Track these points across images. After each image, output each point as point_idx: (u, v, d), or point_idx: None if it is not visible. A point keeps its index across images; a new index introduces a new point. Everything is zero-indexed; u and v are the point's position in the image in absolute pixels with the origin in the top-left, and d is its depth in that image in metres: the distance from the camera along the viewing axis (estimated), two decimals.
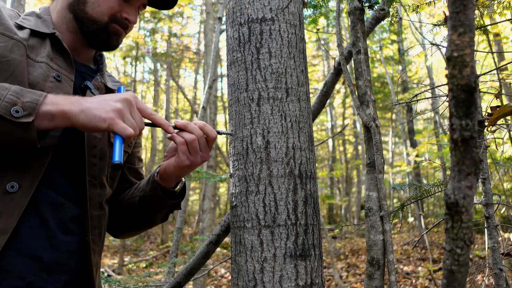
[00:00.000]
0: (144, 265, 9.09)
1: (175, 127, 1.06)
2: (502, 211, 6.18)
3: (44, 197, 1.02)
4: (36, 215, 1.00)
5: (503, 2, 1.82)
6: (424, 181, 10.92)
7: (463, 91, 0.37)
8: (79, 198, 1.09)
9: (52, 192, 1.04)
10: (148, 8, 7.84)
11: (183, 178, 1.21)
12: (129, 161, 1.36)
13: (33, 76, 1.02)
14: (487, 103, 1.89)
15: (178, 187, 1.19)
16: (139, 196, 1.20)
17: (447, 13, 0.38)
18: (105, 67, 1.30)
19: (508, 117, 1.66)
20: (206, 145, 1.08)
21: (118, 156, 0.93)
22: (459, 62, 0.37)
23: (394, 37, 10.78)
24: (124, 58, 12.31)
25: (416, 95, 1.89)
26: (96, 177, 1.12)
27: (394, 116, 11.30)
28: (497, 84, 2.41)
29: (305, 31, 1.49)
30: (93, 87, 1.16)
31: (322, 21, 10.18)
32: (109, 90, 1.24)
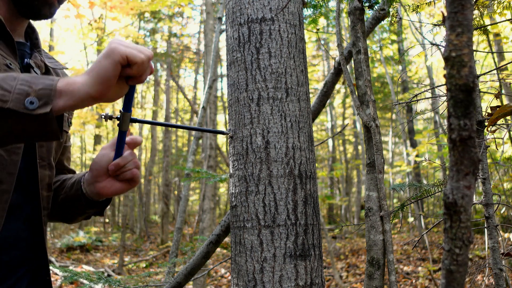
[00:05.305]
0: (144, 265, 9.09)
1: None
2: (502, 211, 6.18)
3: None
4: None
5: (503, 2, 1.82)
6: (424, 181, 10.92)
7: (461, 91, 0.37)
8: (31, 181, 1.06)
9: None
10: (148, 8, 7.82)
11: None
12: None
13: None
14: (487, 103, 1.89)
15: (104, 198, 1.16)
16: (62, 195, 1.17)
17: (446, 13, 0.38)
18: (40, 42, 1.20)
19: (508, 117, 1.66)
20: None
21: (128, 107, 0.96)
22: (457, 62, 0.37)
23: (394, 37, 10.78)
24: None
25: (416, 95, 1.89)
26: (45, 158, 1.09)
27: (394, 116, 11.30)
28: (497, 84, 2.41)
29: (305, 31, 1.49)
30: (34, 66, 1.09)
31: (322, 21, 10.18)
32: (48, 70, 1.18)
